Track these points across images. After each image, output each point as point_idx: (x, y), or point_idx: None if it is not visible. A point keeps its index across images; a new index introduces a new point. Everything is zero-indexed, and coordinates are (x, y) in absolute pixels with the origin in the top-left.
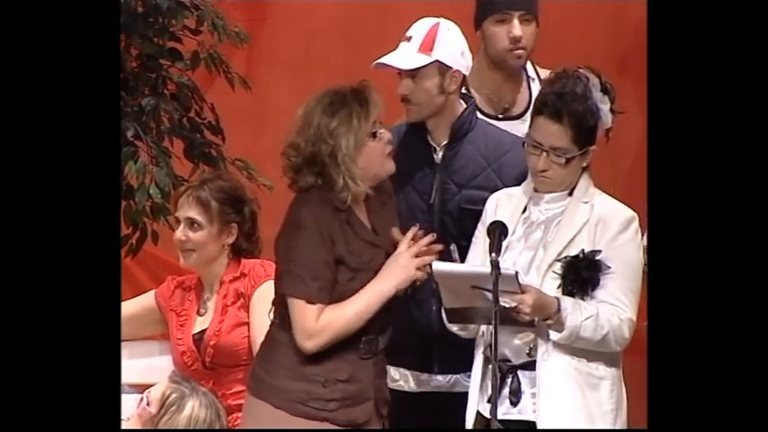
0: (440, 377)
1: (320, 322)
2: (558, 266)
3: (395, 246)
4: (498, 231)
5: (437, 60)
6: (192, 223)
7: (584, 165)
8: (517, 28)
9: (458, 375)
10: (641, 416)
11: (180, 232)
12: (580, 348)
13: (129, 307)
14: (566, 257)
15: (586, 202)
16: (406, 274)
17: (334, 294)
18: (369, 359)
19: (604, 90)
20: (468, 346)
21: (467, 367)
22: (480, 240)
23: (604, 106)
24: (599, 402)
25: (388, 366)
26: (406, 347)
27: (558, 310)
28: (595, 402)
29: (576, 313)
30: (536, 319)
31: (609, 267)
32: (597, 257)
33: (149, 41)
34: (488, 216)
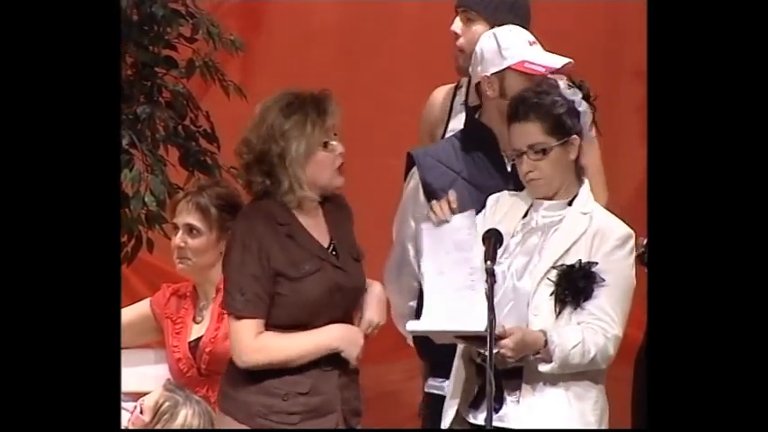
0: None
1: (259, 342)
2: (553, 274)
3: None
4: (494, 239)
5: None
6: (190, 229)
7: (572, 157)
8: (455, 24)
9: None
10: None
11: (179, 239)
12: None
13: (124, 315)
14: (561, 266)
15: (585, 213)
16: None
17: (282, 307)
18: (330, 371)
19: (573, 85)
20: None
21: None
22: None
23: (575, 96)
24: (583, 413)
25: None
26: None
27: (546, 343)
28: (579, 413)
29: (564, 343)
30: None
31: (603, 280)
32: (593, 269)
33: (144, 49)
34: (487, 214)
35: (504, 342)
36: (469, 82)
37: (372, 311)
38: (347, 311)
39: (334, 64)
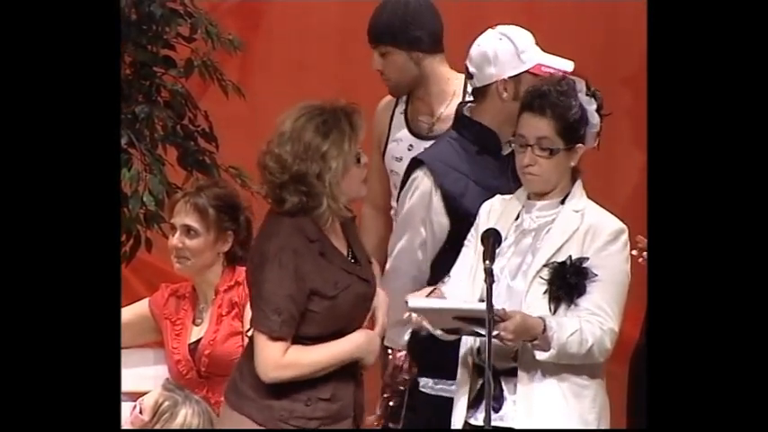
0: None
1: (287, 358)
2: (545, 272)
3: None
4: (492, 239)
5: None
6: (188, 230)
7: (572, 164)
8: (375, 61)
9: None
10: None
11: (176, 239)
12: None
13: (123, 315)
14: (553, 263)
15: (577, 211)
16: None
17: (315, 322)
18: (348, 377)
19: (590, 93)
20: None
21: None
22: (472, 245)
23: (590, 106)
24: (581, 411)
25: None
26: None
27: (545, 330)
28: (578, 411)
29: (561, 331)
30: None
31: (595, 275)
32: (584, 264)
33: (143, 49)
34: (481, 221)
35: (504, 324)
36: (408, 97)
37: (385, 316)
38: (366, 316)
39: (334, 64)
